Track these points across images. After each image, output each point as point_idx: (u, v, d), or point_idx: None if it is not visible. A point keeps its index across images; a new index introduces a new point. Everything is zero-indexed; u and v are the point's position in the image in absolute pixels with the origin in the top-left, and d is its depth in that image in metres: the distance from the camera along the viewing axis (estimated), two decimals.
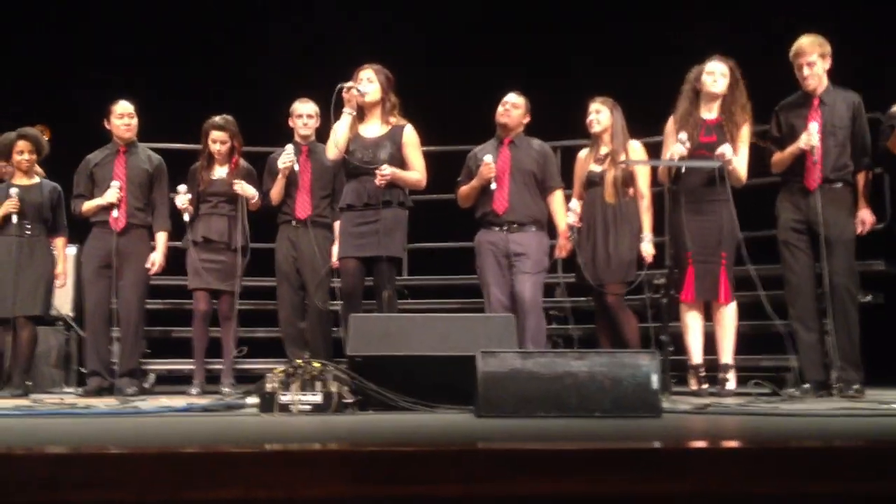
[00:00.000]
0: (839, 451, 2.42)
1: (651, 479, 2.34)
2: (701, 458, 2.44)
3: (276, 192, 5.54)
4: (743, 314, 5.12)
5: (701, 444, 2.61)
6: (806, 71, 4.88)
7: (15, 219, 5.44)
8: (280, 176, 5.49)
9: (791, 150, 4.89)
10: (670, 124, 5.14)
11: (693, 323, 5.08)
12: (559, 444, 2.65)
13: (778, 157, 4.99)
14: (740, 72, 5.06)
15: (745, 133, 5.05)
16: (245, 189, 5.54)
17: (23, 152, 5.56)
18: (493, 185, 5.18)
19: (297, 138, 5.64)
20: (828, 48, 4.89)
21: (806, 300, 4.89)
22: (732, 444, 2.56)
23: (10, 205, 5.43)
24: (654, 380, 3.51)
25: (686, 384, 5.08)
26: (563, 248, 5.31)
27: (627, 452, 2.45)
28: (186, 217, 5.50)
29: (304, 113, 5.61)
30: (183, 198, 5.47)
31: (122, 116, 5.56)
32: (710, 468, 2.37)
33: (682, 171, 4.95)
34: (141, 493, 2.35)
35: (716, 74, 5.04)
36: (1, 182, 5.71)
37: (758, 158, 5.12)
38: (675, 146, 4.93)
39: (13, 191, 5.46)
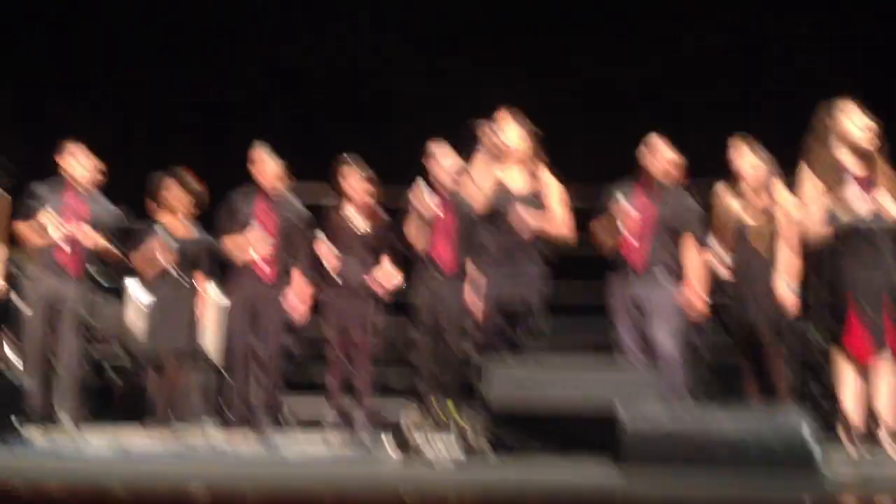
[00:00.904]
0: None
1: None
2: None
3: (419, 238, 5.50)
4: None
5: None
6: None
7: (171, 270, 5.60)
8: (421, 220, 5.46)
9: None
10: (809, 172, 4.88)
11: (852, 378, 4.78)
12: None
13: None
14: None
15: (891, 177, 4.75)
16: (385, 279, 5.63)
17: (172, 191, 5.73)
18: (627, 232, 5.07)
19: (432, 181, 5.59)
20: None
21: None
22: None
23: (167, 257, 5.59)
24: (810, 439, 3.32)
25: (840, 442, 4.78)
26: (692, 304, 5.12)
27: None
28: (333, 272, 5.58)
29: (446, 163, 5.53)
30: (328, 252, 5.57)
31: (257, 163, 5.69)
32: None
33: (856, 229, 4.67)
34: None
35: (869, 131, 4.73)
36: (149, 220, 5.89)
37: None
38: (857, 201, 4.67)
39: (166, 238, 5.60)
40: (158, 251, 5.59)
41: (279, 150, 5.84)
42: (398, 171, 5.97)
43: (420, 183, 5.50)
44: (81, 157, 5.65)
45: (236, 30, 7.50)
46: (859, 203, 4.65)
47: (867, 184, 4.75)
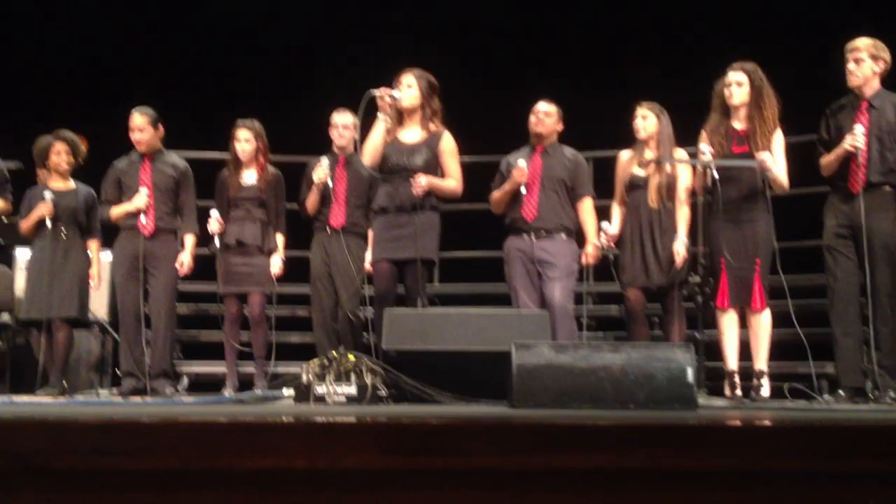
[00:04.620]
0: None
1: (684, 454, 2.35)
2: (733, 434, 2.45)
3: (310, 203, 5.61)
4: (779, 322, 5.08)
5: (733, 422, 2.61)
6: (851, 66, 4.83)
7: (49, 223, 5.50)
8: (314, 189, 5.55)
9: (837, 152, 4.83)
10: (703, 136, 5.13)
11: (728, 330, 5.03)
12: (592, 419, 2.66)
13: (825, 159, 4.92)
14: (763, 75, 4.98)
15: (777, 139, 4.98)
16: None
17: (60, 153, 5.63)
18: (524, 190, 5.21)
19: (334, 149, 5.69)
20: (883, 52, 4.82)
21: (846, 305, 4.82)
22: (765, 423, 2.56)
23: (45, 209, 5.49)
24: (690, 373, 3.51)
25: (721, 392, 5.04)
26: (589, 255, 5.30)
27: (662, 428, 2.45)
28: (217, 241, 5.57)
29: (340, 123, 5.65)
30: (214, 223, 5.54)
31: (133, 130, 5.63)
32: (744, 445, 2.37)
33: (718, 180, 4.91)
34: (183, 460, 2.38)
35: (732, 86, 4.99)
36: (36, 185, 5.79)
37: (806, 162, 5.09)
38: (704, 155, 4.93)
39: (48, 195, 5.52)
40: (44, 212, 5.49)
41: (177, 115, 5.83)
42: (304, 138, 6.05)
43: (322, 161, 5.56)
44: None
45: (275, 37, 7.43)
46: (707, 155, 4.90)
47: (748, 138, 4.99)
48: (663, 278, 5.12)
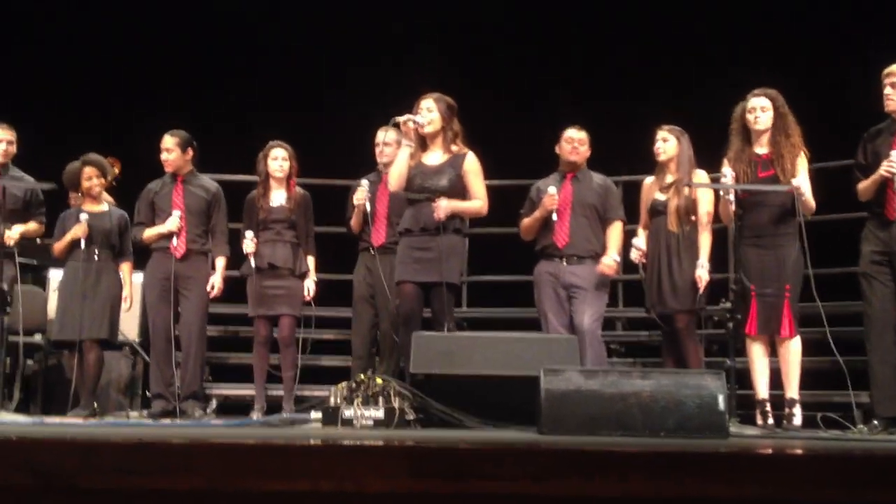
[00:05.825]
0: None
1: (714, 482, 2.32)
2: (764, 463, 2.42)
3: (354, 224, 5.71)
4: (813, 350, 5.01)
5: (764, 451, 2.57)
6: (888, 91, 4.78)
7: (83, 244, 5.56)
8: (356, 211, 5.61)
9: (873, 177, 4.77)
10: (725, 165, 5.08)
11: (758, 357, 4.97)
12: (621, 445, 2.64)
13: (863, 185, 4.86)
14: (784, 101, 4.96)
15: (801, 162, 4.93)
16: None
17: (91, 178, 5.68)
18: (555, 217, 5.20)
19: (379, 167, 5.74)
20: None
21: (882, 333, 4.74)
22: (796, 452, 2.53)
23: (79, 230, 5.54)
24: (721, 401, 3.47)
25: (752, 420, 4.97)
26: (604, 265, 5.20)
27: (692, 455, 2.43)
28: (253, 263, 5.60)
29: (381, 141, 5.68)
30: (249, 244, 5.60)
31: (162, 151, 5.70)
32: (775, 474, 2.34)
33: (742, 204, 4.86)
34: (210, 481, 2.38)
35: (756, 111, 4.97)
36: (70, 208, 5.87)
37: (838, 188, 5.04)
38: (727, 180, 4.89)
39: (83, 216, 5.58)
40: (79, 233, 5.54)
41: (210, 138, 5.89)
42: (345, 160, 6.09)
43: (362, 182, 5.62)
44: None
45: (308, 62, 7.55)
46: (729, 182, 4.86)
47: (772, 162, 4.96)
48: (676, 304, 5.09)
